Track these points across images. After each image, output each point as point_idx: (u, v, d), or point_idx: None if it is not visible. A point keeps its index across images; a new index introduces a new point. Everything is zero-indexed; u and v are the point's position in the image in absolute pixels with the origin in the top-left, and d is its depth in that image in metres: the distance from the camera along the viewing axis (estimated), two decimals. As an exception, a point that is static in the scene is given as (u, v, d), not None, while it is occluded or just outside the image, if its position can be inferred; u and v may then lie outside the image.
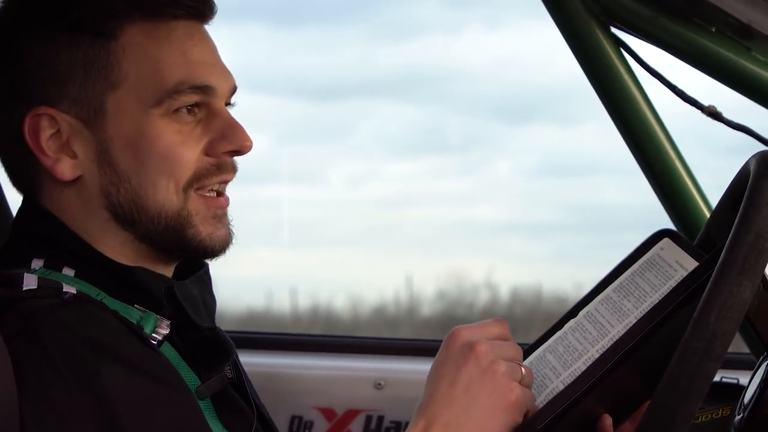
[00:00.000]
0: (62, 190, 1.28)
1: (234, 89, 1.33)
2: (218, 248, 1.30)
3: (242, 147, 1.30)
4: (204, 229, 1.28)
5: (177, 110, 1.26)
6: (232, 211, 1.34)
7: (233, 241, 1.32)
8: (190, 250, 1.29)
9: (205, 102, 1.28)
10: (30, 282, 1.20)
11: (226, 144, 1.28)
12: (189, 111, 1.27)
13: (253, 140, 1.31)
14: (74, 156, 1.26)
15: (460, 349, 1.18)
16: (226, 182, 1.31)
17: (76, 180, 1.27)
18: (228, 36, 1.36)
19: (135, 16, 1.26)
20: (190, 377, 1.26)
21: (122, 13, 1.26)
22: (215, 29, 1.34)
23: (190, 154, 1.27)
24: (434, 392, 1.17)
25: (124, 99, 1.25)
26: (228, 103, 1.33)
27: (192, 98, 1.27)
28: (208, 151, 1.28)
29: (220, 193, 1.31)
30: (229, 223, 1.32)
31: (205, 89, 1.27)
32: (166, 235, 1.27)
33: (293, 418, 2.24)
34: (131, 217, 1.27)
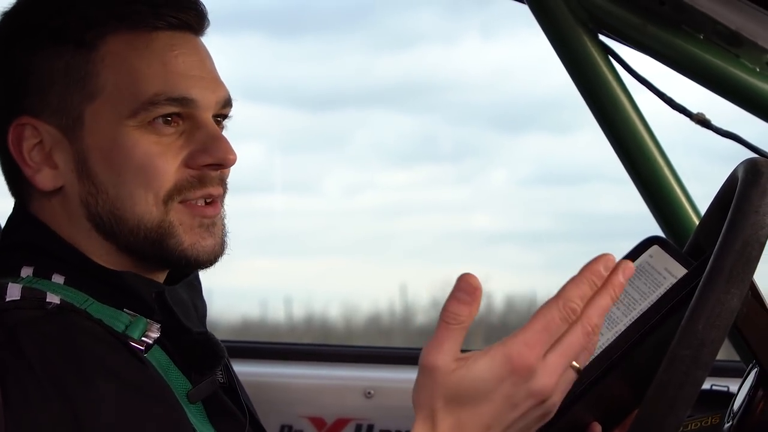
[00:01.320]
0: (49, 199, 1.27)
1: (225, 101, 1.29)
2: (203, 258, 1.27)
3: (224, 160, 1.26)
4: (187, 239, 1.25)
5: (153, 121, 1.24)
6: (228, 222, 1.30)
7: (224, 251, 1.29)
8: (172, 260, 1.26)
9: (188, 114, 1.25)
10: (13, 293, 1.19)
11: (207, 156, 1.25)
12: (168, 122, 1.24)
13: (237, 154, 1.26)
14: (55, 166, 1.25)
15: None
16: (211, 196, 1.27)
17: (59, 190, 1.26)
18: (226, 46, 1.34)
19: (116, 27, 1.24)
20: (180, 381, 1.25)
21: (103, 24, 1.24)
22: (213, 40, 1.31)
23: (167, 165, 1.24)
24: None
25: (101, 109, 1.24)
26: (224, 116, 1.30)
27: (168, 109, 1.24)
28: (188, 163, 1.25)
29: (209, 203, 1.27)
30: (221, 234, 1.29)
31: (183, 101, 1.24)
32: (147, 245, 1.25)
33: (283, 427, 2.24)
34: (111, 229, 1.25)
